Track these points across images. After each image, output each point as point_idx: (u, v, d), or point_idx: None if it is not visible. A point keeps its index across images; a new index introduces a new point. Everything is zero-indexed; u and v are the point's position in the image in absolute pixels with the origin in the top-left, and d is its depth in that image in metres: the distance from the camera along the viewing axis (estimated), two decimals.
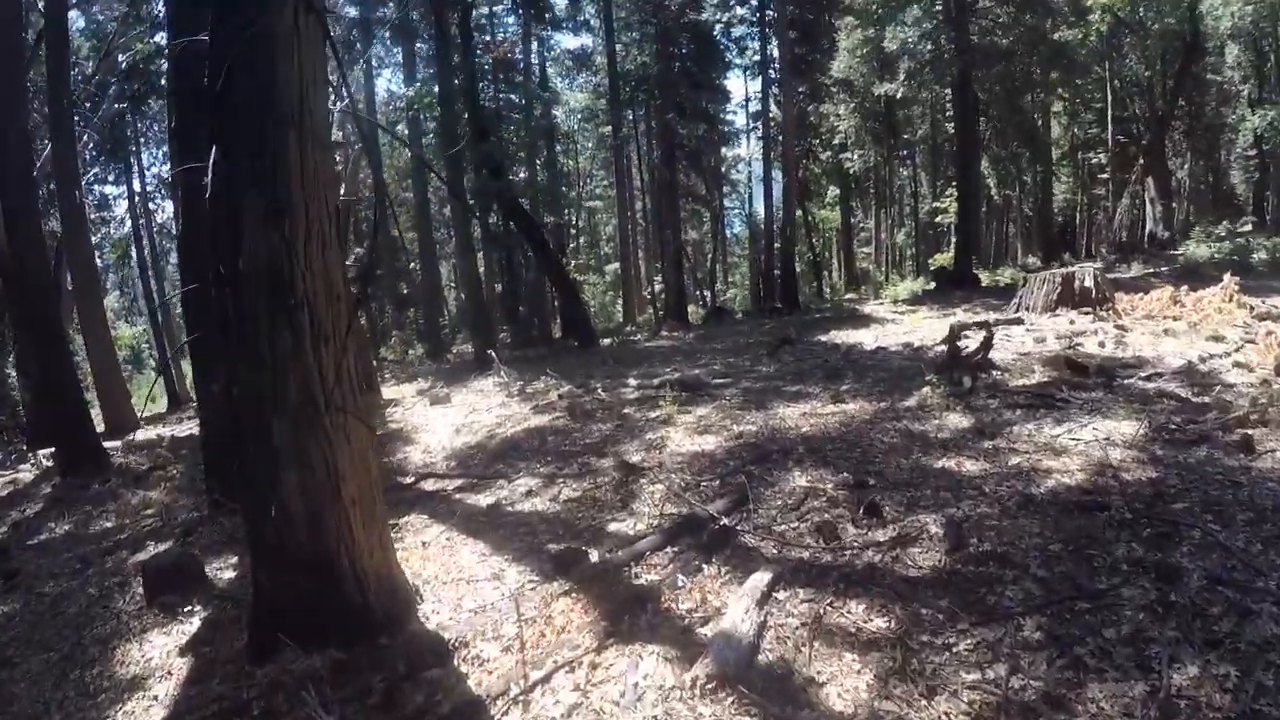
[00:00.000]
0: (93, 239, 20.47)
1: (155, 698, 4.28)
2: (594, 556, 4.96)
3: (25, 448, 13.36)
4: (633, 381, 11.34)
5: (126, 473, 10.25)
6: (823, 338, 14.54)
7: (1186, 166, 36.66)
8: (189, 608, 5.32)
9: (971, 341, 9.55)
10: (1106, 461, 5.40)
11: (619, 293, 35.27)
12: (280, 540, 4.04)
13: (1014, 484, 5.27)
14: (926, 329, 13.98)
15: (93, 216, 24.79)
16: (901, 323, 15.96)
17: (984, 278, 25.23)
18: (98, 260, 21.70)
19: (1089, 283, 13.85)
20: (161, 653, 4.79)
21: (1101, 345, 10.08)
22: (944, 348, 10.49)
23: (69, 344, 12.84)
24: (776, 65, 28.31)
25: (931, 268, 30.67)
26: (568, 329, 21.56)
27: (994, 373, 8.63)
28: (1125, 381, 7.75)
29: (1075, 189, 40.10)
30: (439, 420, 11.33)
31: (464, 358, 21.70)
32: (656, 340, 19.72)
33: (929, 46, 23.66)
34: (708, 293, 36.65)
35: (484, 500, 6.86)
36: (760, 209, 38.64)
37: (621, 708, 3.41)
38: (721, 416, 8.22)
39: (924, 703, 3.19)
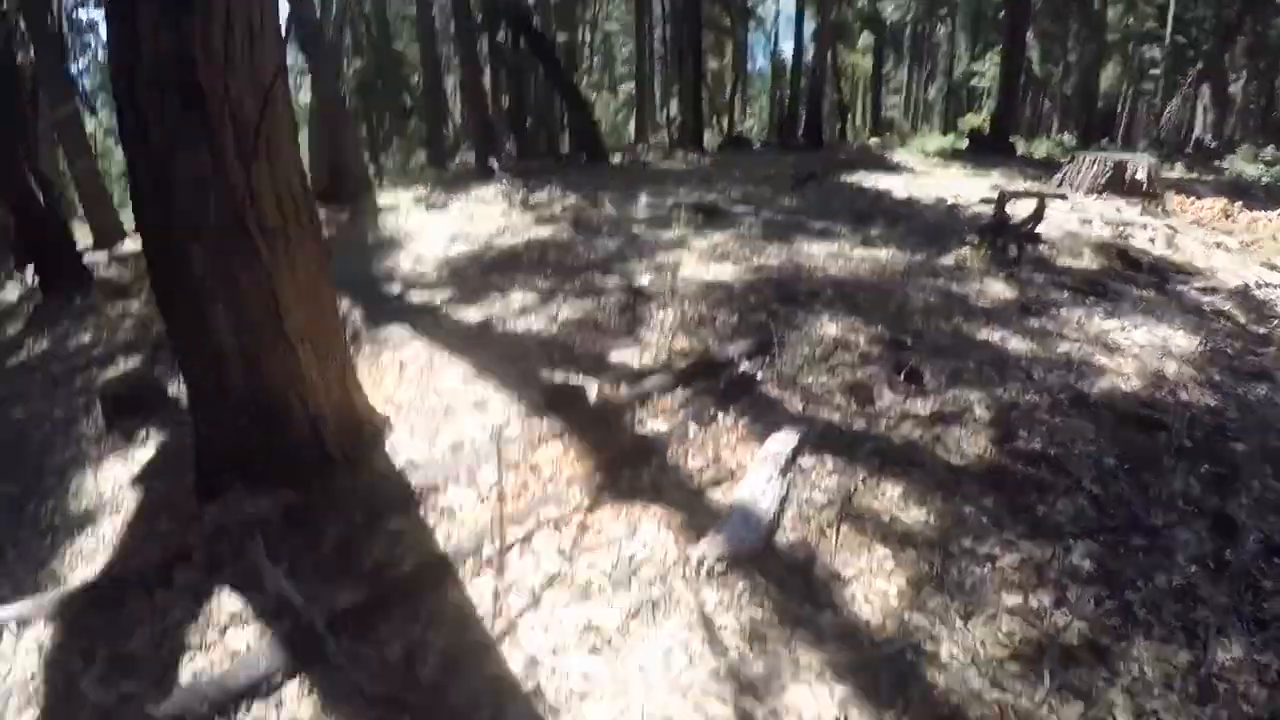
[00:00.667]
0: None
1: (102, 536, 3.77)
2: (592, 392, 4.31)
3: (13, 266, 12.76)
4: (644, 200, 10.46)
5: (108, 285, 9.50)
6: (849, 179, 13.47)
7: (1241, 83, 34.54)
8: (147, 431, 4.75)
9: (1020, 209, 8.65)
10: (1163, 374, 4.76)
11: (631, 113, 33.43)
12: (218, 383, 3.49)
13: (1064, 375, 4.66)
14: (961, 186, 13.01)
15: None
16: (933, 175, 14.87)
17: (1018, 146, 23.80)
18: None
19: (1141, 174, 12.83)
20: (114, 485, 4.24)
21: (1152, 242, 9.24)
22: (983, 208, 9.80)
23: (36, 158, 11.97)
24: None
25: (961, 127, 29.20)
26: (576, 143, 20.22)
27: (1041, 247, 7.84)
28: (1179, 288, 7.02)
29: (1122, 79, 37.99)
30: (434, 228, 10.45)
31: (467, 168, 20.50)
32: (670, 162, 18.37)
33: None
34: (723, 123, 34.80)
35: (474, 316, 6.14)
36: (786, 47, 36.50)
37: (612, 582, 2.86)
38: (740, 245, 7.47)
39: (960, 624, 2.71)
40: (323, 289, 3.68)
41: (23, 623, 3.04)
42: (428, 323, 6.02)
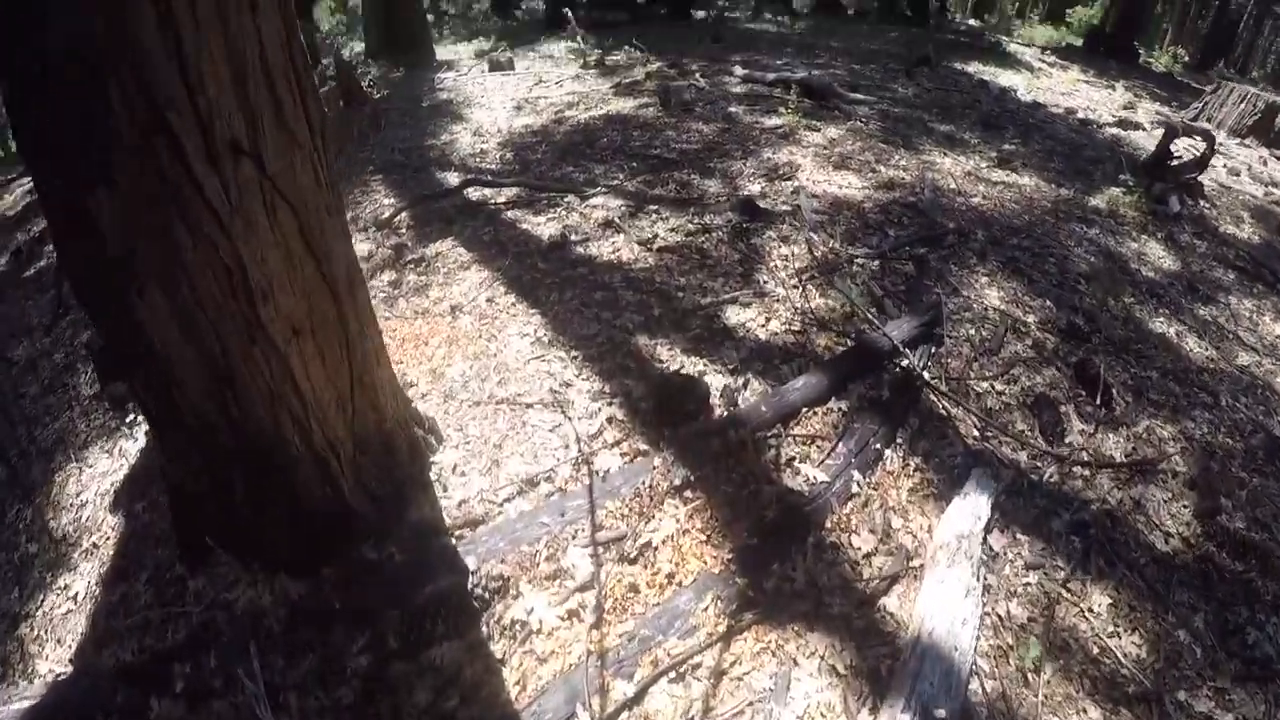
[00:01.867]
0: None
1: (76, 594, 2.82)
2: (716, 389, 3.23)
3: None
4: (739, 71, 9.15)
5: None
6: (965, 68, 11.99)
7: None
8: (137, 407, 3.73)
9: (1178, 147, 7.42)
10: None
11: None
12: (169, 410, 2.18)
13: (1251, 405, 3.83)
14: (1089, 96, 11.68)
15: None
16: (1053, 76, 13.32)
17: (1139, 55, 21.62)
18: None
19: None
20: (97, 496, 3.27)
21: None
22: (1120, 132, 8.80)
23: None
24: None
25: (1069, 20, 26.58)
26: None
27: (1201, 203, 6.71)
28: None
29: None
30: (497, 92, 9.22)
31: (534, 15, 18.66)
32: (760, 23, 16.56)
33: None
34: None
35: (546, 228, 4.98)
36: None
37: None
38: (860, 146, 6.33)
39: None
40: (331, 244, 2.17)
41: None
42: (488, 237, 4.93)
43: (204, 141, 1.70)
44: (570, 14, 13.04)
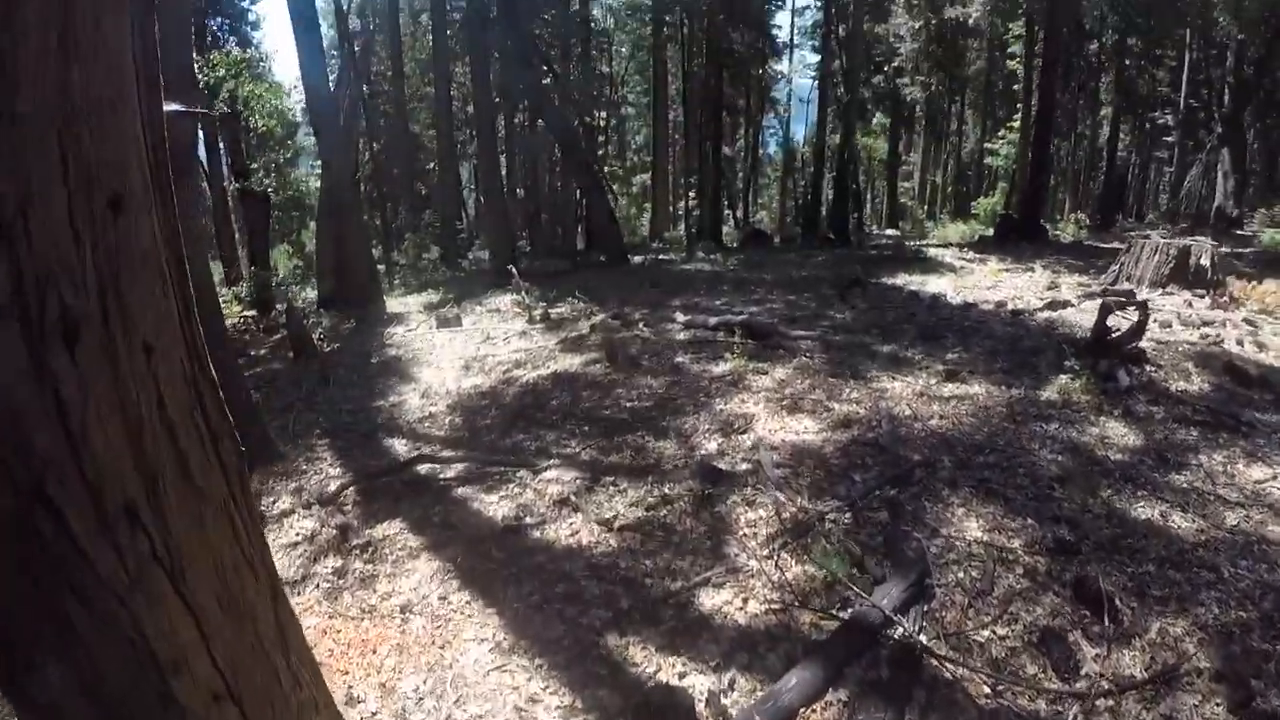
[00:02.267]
0: None
1: None
2: (700, 697, 2.97)
3: None
4: (680, 317, 9.51)
5: None
6: (892, 281, 12.64)
7: (1256, 144, 34.03)
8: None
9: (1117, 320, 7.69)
10: None
11: (642, 206, 32.89)
12: None
13: (1252, 567, 3.77)
14: (1013, 285, 12.29)
15: None
16: (975, 273, 14.05)
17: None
18: None
19: (1205, 261, 11.98)
20: None
21: (1240, 344, 8.29)
22: (1050, 313, 9.20)
23: None
24: None
25: (975, 210, 28.51)
26: (594, 242, 19.53)
27: (1147, 367, 6.86)
28: None
29: (1130, 147, 37.52)
30: (446, 349, 9.50)
31: (480, 265, 19.69)
32: (694, 263, 17.51)
33: None
34: (737, 213, 34.28)
35: (499, 508, 4.86)
36: (797, 130, 36.04)
37: None
38: (810, 384, 6.43)
39: None
40: (255, 603, 1.89)
41: None
42: (438, 518, 4.84)
43: (93, 509, 1.48)
44: (515, 270, 13.57)
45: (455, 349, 9.41)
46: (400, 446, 6.21)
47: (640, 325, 9.29)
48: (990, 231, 22.64)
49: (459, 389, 7.63)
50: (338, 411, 7.39)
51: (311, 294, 16.60)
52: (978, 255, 16.67)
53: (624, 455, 5.38)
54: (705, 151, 24.84)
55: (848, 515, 4.20)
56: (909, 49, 29.48)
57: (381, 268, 18.51)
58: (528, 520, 4.62)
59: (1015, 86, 32.70)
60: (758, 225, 31.10)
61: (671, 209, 33.04)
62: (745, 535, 4.13)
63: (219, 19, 25.77)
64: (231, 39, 25.23)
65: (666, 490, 4.73)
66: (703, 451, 5.23)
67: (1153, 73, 32.81)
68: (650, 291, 12.55)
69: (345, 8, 21.70)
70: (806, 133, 41.88)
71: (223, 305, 16.17)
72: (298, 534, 4.90)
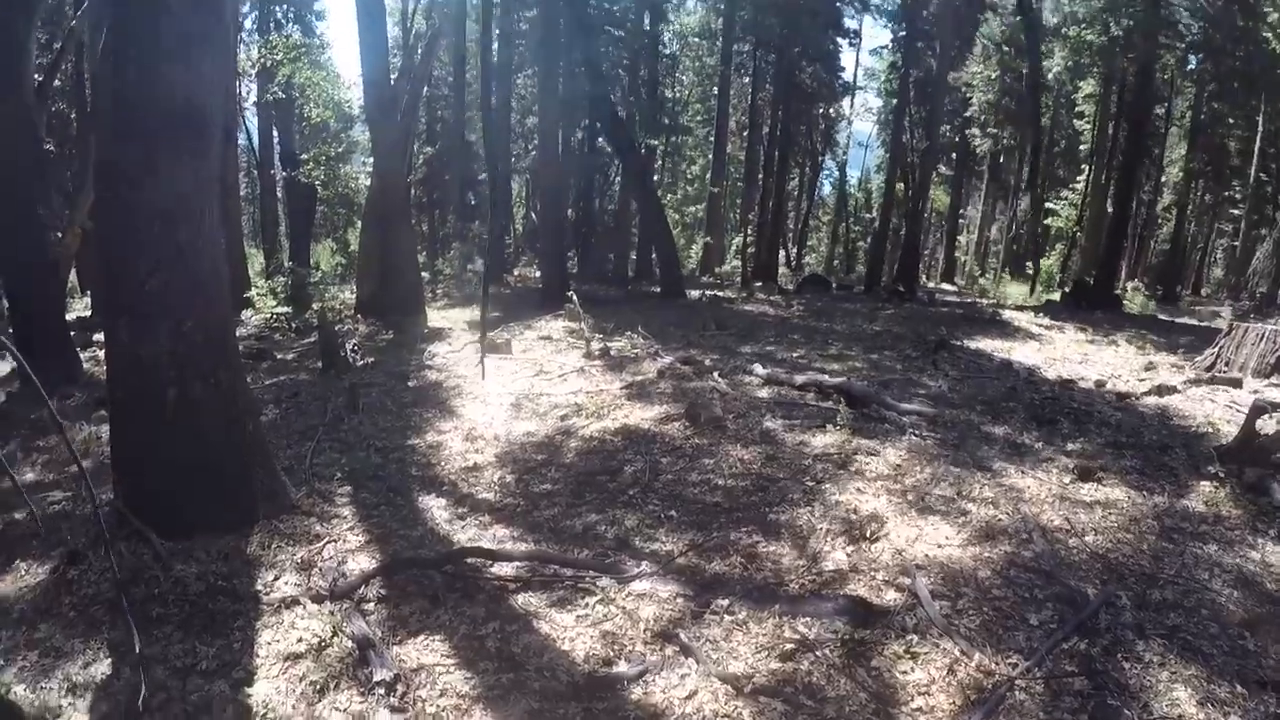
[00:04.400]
0: None
1: None
2: None
3: None
4: (758, 369, 8.71)
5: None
6: (976, 345, 11.81)
7: None
8: None
9: (1267, 423, 6.83)
10: None
11: (692, 238, 32.18)
12: None
13: None
14: (1099, 359, 11.58)
15: None
16: (1056, 342, 13.21)
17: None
18: None
19: None
20: None
21: None
22: (1156, 399, 8.40)
23: None
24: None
25: (1029, 271, 27.57)
26: (646, 272, 18.85)
27: None
28: None
29: (1192, 216, 36.50)
30: (493, 380, 8.68)
31: (527, 283, 19.05)
32: (755, 304, 16.78)
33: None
34: (790, 254, 33.52)
35: (576, 637, 3.69)
36: (852, 174, 35.27)
37: None
38: (929, 472, 5.58)
39: None
40: None
41: None
42: (494, 644, 3.63)
43: None
44: (574, 295, 12.87)
45: (504, 381, 8.66)
46: (439, 512, 5.28)
47: (715, 374, 8.49)
48: (1055, 295, 21.90)
49: (509, 435, 6.85)
50: (366, 446, 6.59)
51: (349, 296, 16.06)
52: (1052, 322, 15.81)
53: (732, 563, 4.36)
54: (769, 188, 24.18)
55: (1039, 684, 3.27)
56: (980, 99, 28.71)
57: (425, 275, 17.89)
58: (622, 666, 3.46)
59: (1081, 146, 31.96)
60: (813, 270, 30.32)
61: (722, 242, 32.37)
62: (919, 711, 3.14)
63: (284, 4, 25.45)
64: (295, 27, 24.90)
65: (803, 629, 3.64)
66: (830, 565, 4.31)
67: (1226, 142, 31.79)
68: (715, 334, 11.84)
69: (411, 9, 21.26)
70: (860, 177, 41.32)
71: (257, 297, 15.74)
72: (300, 640, 3.62)
